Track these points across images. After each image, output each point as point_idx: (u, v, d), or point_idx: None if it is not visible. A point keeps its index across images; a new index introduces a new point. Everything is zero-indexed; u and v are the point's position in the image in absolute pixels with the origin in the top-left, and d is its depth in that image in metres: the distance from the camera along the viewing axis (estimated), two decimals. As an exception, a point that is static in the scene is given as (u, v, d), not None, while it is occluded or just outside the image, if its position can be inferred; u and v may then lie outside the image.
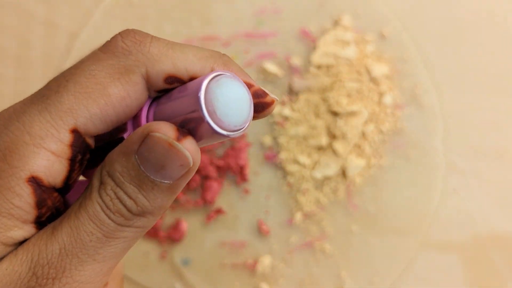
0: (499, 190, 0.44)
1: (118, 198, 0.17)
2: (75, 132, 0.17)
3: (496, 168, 0.44)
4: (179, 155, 0.17)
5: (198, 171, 0.43)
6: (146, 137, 0.17)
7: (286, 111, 0.43)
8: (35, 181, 0.17)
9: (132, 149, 0.17)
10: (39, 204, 0.17)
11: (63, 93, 0.17)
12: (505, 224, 0.44)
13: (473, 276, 0.43)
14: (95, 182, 0.17)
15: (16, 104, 0.18)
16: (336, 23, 0.44)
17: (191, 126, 0.17)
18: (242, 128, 0.18)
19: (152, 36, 0.18)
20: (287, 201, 0.44)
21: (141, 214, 0.17)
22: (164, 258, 0.44)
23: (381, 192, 0.44)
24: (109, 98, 0.17)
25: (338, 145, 0.42)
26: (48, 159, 0.17)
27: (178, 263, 0.44)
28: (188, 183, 0.43)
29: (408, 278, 0.44)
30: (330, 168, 0.43)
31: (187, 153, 0.17)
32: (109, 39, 0.18)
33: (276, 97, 0.20)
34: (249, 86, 0.19)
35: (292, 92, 0.43)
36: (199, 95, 0.16)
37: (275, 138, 0.44)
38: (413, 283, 0.44)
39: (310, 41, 0.44)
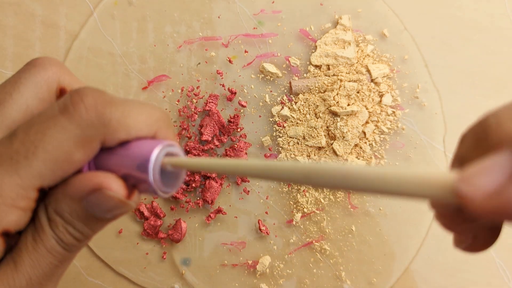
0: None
1: (69, 233, 0.21)
2: (40, 189, 0.20)
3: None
4: (126, 206, 0.21)
5: (198, 171, 0.43)
6: (97, 190, 0.20)
7: (286, 111, 0.43)
8: (6, 234, 0.19)
9: (81, 195, 0.20)
10: (6, 249, 0.20)
11: (33, 160, 0.19)
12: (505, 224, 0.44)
13: (473, 276, 0.43)
14: (43, 218, 0.20)
15: None
16: (336, 23, 0.44)
17: (135, 181, 0.20)
18: (175, 190, 0.22)
19: (110, 100, 0.20)
20: (287, 202, 0.44)
21: (85, 240, 0.21)
22: (164, 258, 0.44)
23: (381, 192, 0.44)
24: (73, 164, 0.20)
25: (338, 146, 0.42)
26: (18, 214, 0.19)
27: (178, 263, 0.44)
28: (188, 184, 0.43)
29: (408, 278, 0.44)
30: (330, 168, 0.43)
31: (133, 204, 0.21)
32: (69, 100, 0.20)
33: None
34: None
35: (291, 92, 0.43)
36: (149, 166, 0.20)
37: (274, 138, 0.44)
38: (413, 283, 0.44)
39: (310, 41, 0.44)
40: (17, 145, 0.19)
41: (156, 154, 0.20)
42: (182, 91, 0.44)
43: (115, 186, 0.20)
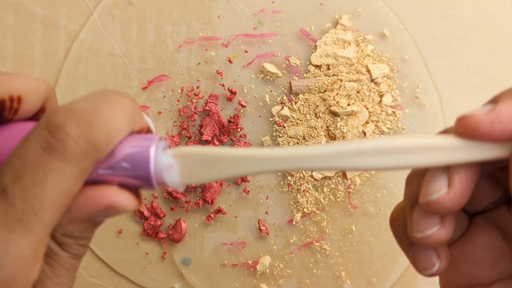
0: (499, 190, 0.44)
1: (81, 245, 0.21)
2: (53, 232, 0.20)
3: (496, 168, 0.44)
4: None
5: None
6: (108, 207, 0.20)
7: (286, 111, 0.43)
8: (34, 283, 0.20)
9: (89, 216, 0.20)
10: None
11: (42, 214, 0.19)
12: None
13: (473, 276, 0.43)
14: (52, 245, 0.20)
15: None
16: (336, 23, 0.44)
17: (134, 185, 0.21)
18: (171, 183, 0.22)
19: (89, 118, 0.19)
20: (287, 202, 0.44)
21: (90, 241, 0.22)
22: (164, 258, 0.44)
23: (381, 193, 0.44)
24: (75, 195, 0.20)
25: (338, 145, 0.42)
26: (41, 262, 0.20)
27: (178, 263, 0.44)
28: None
29: (408, 279, 0.44)
30: (330, 168, 0.43)
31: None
32: (49, 135, 0.18)
33: None
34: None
35: (291, 92, 0.43)
36: (151, 174, 0.20)
37: (274, 138, 0.44)
38: (413, 283, 0.44)
39: (310, 41, 0.44)
40: (20, 204, 0.18)
41: (153, 156, 0.20)
42: (182, 91, 0.44)
43: (126, 201, 0.20)
